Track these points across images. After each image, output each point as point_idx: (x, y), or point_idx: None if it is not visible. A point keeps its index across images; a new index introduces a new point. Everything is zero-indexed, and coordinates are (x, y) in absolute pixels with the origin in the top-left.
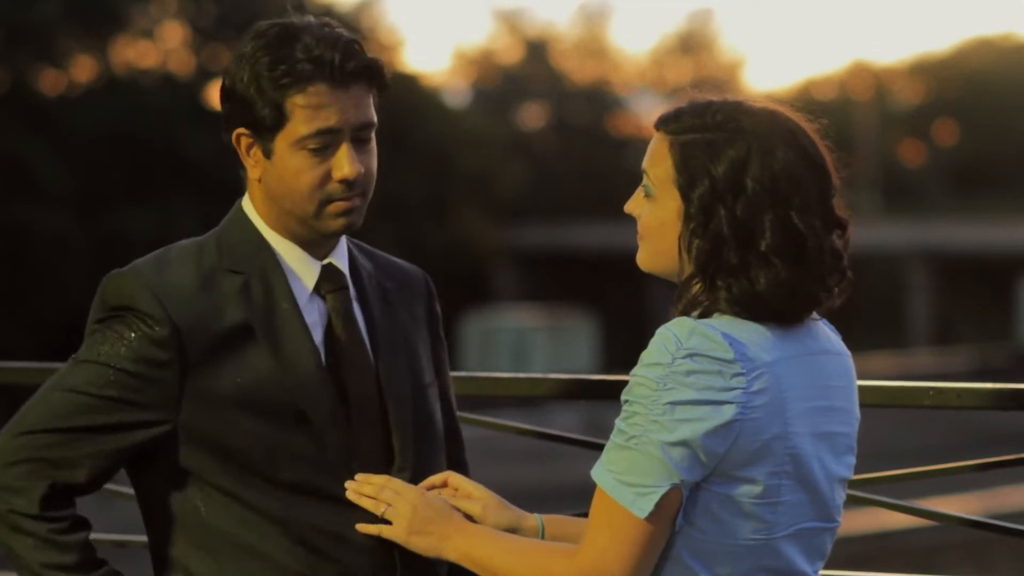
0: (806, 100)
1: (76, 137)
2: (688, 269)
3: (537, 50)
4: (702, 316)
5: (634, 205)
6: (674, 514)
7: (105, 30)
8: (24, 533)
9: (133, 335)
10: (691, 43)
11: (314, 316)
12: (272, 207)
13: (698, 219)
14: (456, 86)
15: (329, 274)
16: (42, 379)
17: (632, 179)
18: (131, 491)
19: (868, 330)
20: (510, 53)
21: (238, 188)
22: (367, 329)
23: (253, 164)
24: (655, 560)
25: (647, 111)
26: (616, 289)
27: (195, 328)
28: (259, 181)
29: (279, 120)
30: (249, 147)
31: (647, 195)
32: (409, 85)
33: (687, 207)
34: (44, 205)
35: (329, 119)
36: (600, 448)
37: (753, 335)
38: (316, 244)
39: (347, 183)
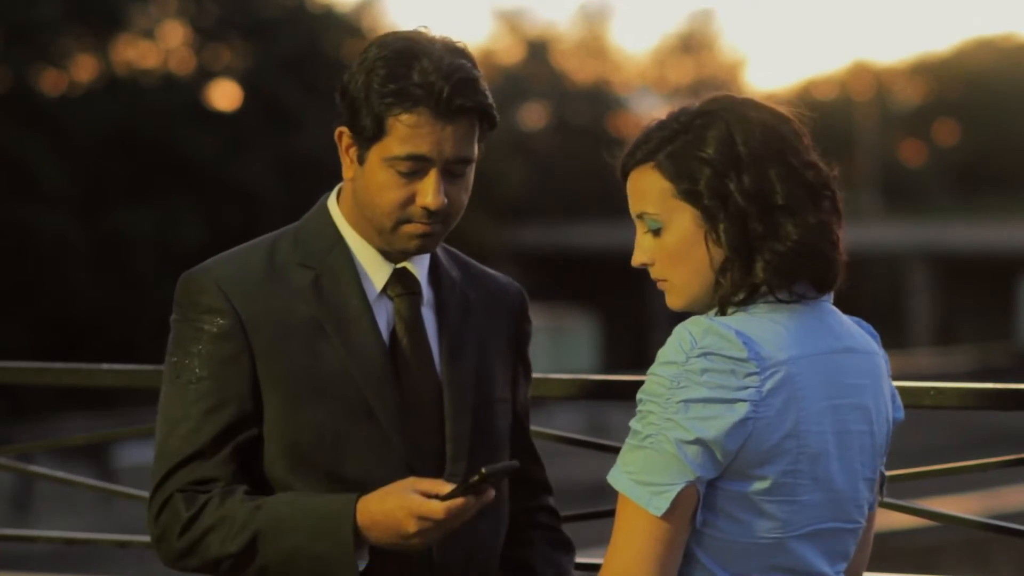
0: (807, 100)
1: (76, 137)
2: (720, 260)
3: (538, 50)
4: (740, 303)
5: (644, 251)
6: (692, 512)
7: (106, 30)
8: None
9: (204, 336)
10: (692, 43)
11: (382, 317)
12: (356, 208)
13: (714, 206)
14: None
15: (400, 278)
16: (42, 379)
17: None
18: (131, 491)
19: None
20: (511, 53)
21: (238, 188)
22: (438, 336)
23: (348, 164)
24: (679, 560)
25: (648, 111)
26: (617, 289)
27: (261, 319)
28: (351, 181)
29: (377, 133)
30: (348, 147)
31: (655, 232)
32: None
33: (700, 204)
34: (44, 205)
35: (422, 146)
36: (601, 448)
37: (769, 333)
38: (391, 252)
39: (427, 211)
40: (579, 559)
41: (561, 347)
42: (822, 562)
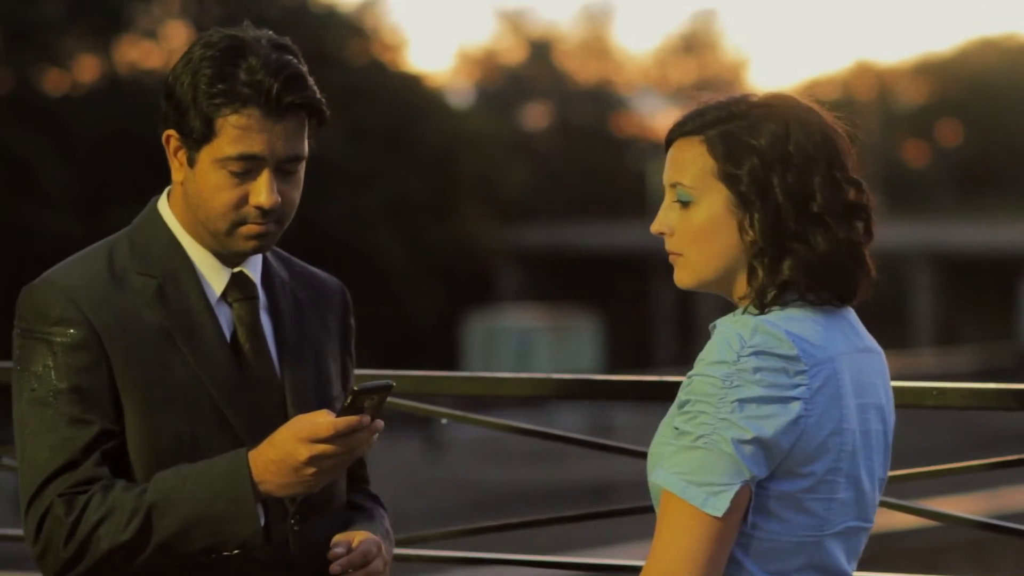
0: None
1: (79, 137)
2: (748, 257)
3: (540, 50)
4: (771, 301)
5: (666, 220)
6: (744, 512)
7: (109, 30)
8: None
9: (58, 348)
10: (694, 43)
11: (223, 322)
12: (188, 212)
13: (753, 196)
14: (459, 86)
15: (238, 282)
16: None
17: (635, 179)
18: None
19: (872, 330)
20: (513, 53)
21: None
22: (276, 339)
23: (177, 167)
24: (726, 561)
25: (650, 111)
26: (619, 289)
27: (113, 328)
28: (181, 184)
29: (207, 134)
30: (176, 150)
31: (684, 204)
32: (412, 85)
33: (737, 190)
34: (47, 205)
35: (254, 146)
36: (603, 449)
37: (811, 332)
38: (227, 255)
39: (262, 210)
40: (578, 559)
41: (563, 347)
42: (844, 560)
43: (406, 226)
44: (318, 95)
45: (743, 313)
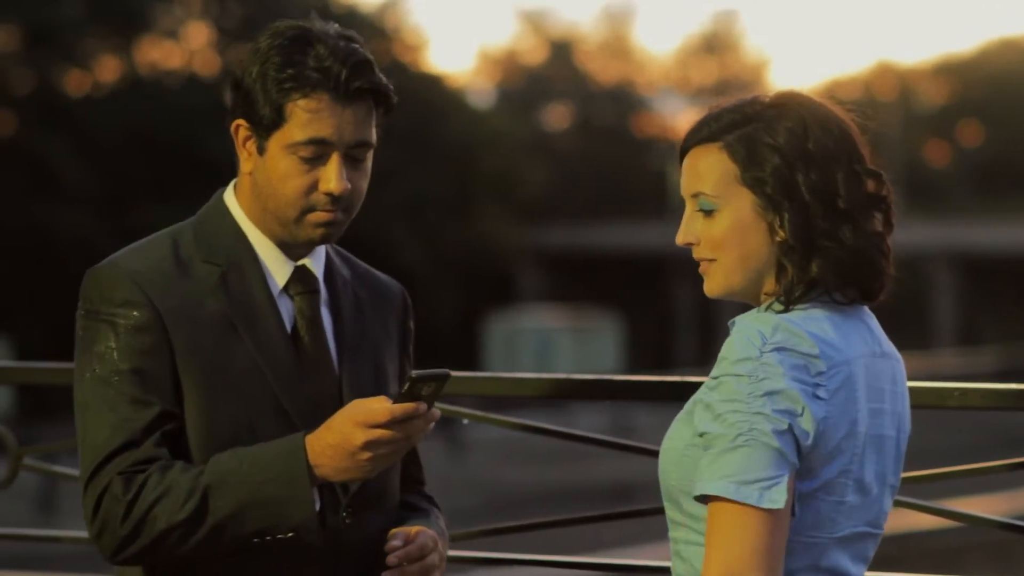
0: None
1: (100, 137)
2: (778, 254)
3: (561, 51)
4: (798, 298)
5: (691, 230)
6: (792, 502)
7: (130, 31)
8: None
9: (121, 329)
10: (716, 44)
11: (284, 315)
12: (256, 202)
13: (779, 197)
14: (480, 86)
15: (300, 276)
16: (65, 379)
17: (656, 179)
18: None
19: (892, 330)
20: (534, 54)
21: None
22: (335, 335)
23: (246, 157)
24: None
25: (671, 112)
26: (640, 290)
27: (177, 313)
28: (249, 175)
29: (276, 121)
30: (245, 140)
31: (707, 212)
32: (433, 85)
33: (762, 192)
34: (67, 205)
35: (323, 130)
36: (624, 449)
37: (830, 333)
38: (293, 246)
39: (331, 197)
40: (600, 559)
41: (585, 348)
42: (851, 565)
43: (426, 226)
44: (385, 82)
45: (764, 310)
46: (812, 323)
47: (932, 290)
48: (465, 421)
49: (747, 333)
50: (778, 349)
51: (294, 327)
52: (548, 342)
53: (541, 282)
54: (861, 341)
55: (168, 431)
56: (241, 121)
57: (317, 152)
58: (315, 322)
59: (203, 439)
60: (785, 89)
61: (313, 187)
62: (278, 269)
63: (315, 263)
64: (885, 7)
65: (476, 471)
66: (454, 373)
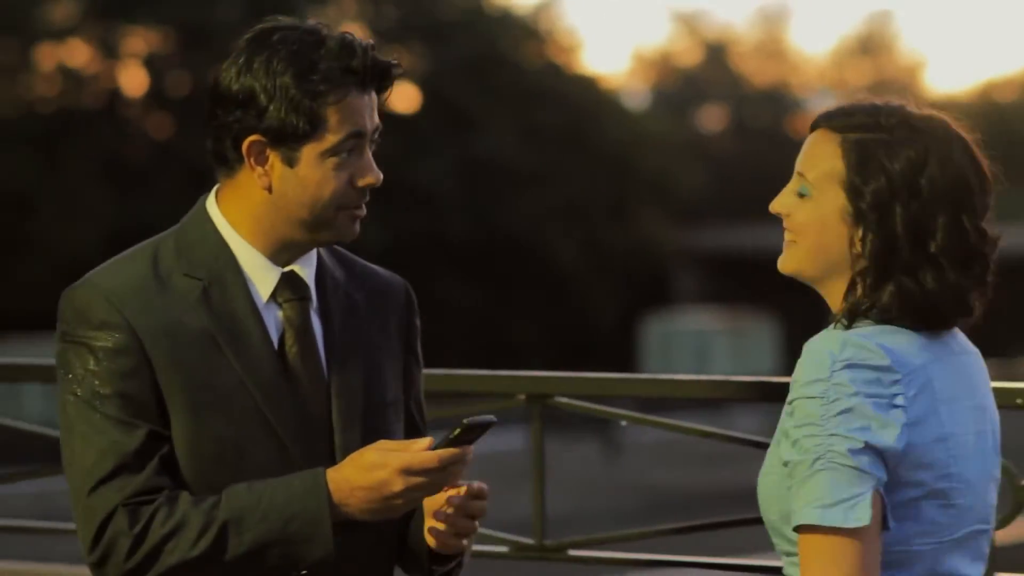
0: (987, 103)
1: None
2: (851, 269)
3: (716, 52)
4: (862, 317)
5: (784, 203)
6: (882, 518)
7: None
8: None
9: (100, 352)
10: (870, 45)
11: (271, 325)
12: (271, 214)
13: (871, 216)
14: (635, 88)
15: (288, 282)
16: None
17: None
18: None
19: (1014, 335)
20: (689, 55)
21: (418, 190)
22: (324, 342)
23: (262, 172)
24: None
25: None
26: (797, 292)
27: (156, 332)
28: (266, 189)
29: (312, 129)
30: (260, 155)
31: (801, 194)
32: (588, 87)
33: (856, 204)
34: None
35: (358, 123)
36: None
37: (901, 342)
38: (285, 251)
39: (369, 189)
40: (754, 561)
41: (741, 350)
42: (969, 566)
43: (583, 228)
44: (396, 61)
45: (833, 328)
46: (882, 335)
47: None
48: (623, 423)
49: (816, 354)
50: (849, 366)
51: (281, 338)
52: (705, 344)
53: (697, 284)
54: (939, 344)
55: (164, 456)
56: (257, 137)
57: (352, 146)
58: (304, 330)
59: (188, 458)
60: (936, 113)
61: (348, 184)
62: (264, 277)
63: (305, 268)
64: None
65: (633, 473)
66: (612, 375)
